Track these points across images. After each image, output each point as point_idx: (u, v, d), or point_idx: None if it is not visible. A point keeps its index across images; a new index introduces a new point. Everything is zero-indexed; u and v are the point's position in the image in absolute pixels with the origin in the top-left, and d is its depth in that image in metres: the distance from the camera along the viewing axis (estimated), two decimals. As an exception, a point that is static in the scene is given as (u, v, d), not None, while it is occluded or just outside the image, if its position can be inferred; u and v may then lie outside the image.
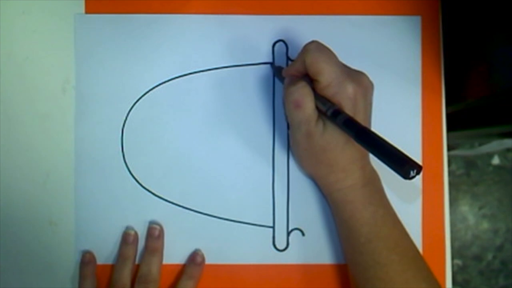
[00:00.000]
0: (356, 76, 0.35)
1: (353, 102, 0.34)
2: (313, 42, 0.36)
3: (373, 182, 0.37)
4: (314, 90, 0.35)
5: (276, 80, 0.42)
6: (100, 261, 0.41)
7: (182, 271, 0.41)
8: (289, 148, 0.41)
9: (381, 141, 0.31)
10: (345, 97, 0.34)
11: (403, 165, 0.29)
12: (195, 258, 0.40)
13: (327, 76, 0.34)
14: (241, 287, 0.41)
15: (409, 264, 0.35)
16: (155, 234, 0.41)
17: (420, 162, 0.41)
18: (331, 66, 0.34)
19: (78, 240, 0.41)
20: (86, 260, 0.41)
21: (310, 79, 0.36)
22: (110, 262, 0.41)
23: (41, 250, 0.41)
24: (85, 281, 0.40)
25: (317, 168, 0.37)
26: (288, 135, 0.41)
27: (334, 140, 0.35)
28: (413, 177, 0.29)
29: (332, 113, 0.34)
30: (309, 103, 0.35)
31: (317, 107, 0.35)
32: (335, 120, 0.33)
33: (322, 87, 0.35)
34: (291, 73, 0.37)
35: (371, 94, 0.37)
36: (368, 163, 0.37)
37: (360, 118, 0.34)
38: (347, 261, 0.39)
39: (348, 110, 0.34)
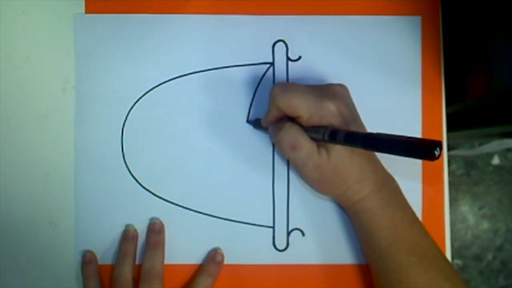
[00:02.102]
0: (328, 91, 0.35)
1: (340, 116, 0.34)
2: (275, 86, 0.35)
3: (388, 183, 0.37)
4: (300, 125, 0.35)
5: (276, 80, 0.42)
6: (100, 261, 0.41)
7: (199, 269, 0.41)
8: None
9: (389, 138, 0.30)
10: (331, 115, 0.34)
11: (425, 150, 0.27)
12: (214, 256, 0.41)
13: (305, 109, 0.34)
14: (241, 287, 0.41)
15: (430, 264, 0.35)
16: (156, 228, 0.41)
17: (420, 162, 0.41)
18: (303, 98, 0.34)
19: (78, 240, 0.41)
20: (87, 260, 0.41)
21: (290, 118, 0.36)
22: (110, 262, 0.41)
23: (41, 250, 0.41)
24: (89, 281, 0.40)
25: (334, 188, 0.36)
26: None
27: (341, 159, 0.34)
28: (439, 155, 0.27)
29: (329, 136, 0.33)
30: (304, 139, 0.35)
31: (312, 138, 0.35)
32: (336, 140, 0.33)
33: (306, 120, 0.34)
34: (271, 121, 0.37)
35: (349, 97, 0.37)
36: (378, 164, 0.37)
37: (354, 125, 0.35)
38: (370, 265, 0.39)
39: (340, 125, 0.34)
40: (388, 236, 0.35)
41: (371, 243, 0.36)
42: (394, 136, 0.30)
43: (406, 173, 0.41)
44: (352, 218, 0.38)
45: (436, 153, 0.27)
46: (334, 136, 0.33)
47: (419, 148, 0.28)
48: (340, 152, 0.34)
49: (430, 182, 0.41)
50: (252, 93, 0.42)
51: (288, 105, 0.34)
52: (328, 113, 0.34)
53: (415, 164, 0.41)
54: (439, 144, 0.27)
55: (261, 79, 0.42)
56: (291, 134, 0.35)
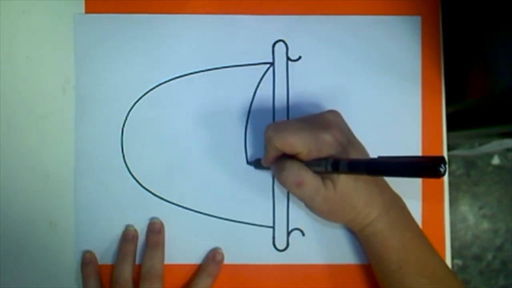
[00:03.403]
0: (321, 122, 0.35)
1: (338, 144, 0.34)
2: (268, 128, 0.35)
3: (395, 203, 0.37)
4: (300, 160, 0.35)
5: (276, 80, 0.42)
6: (100, 261, 0.41)
7: (199, 269, 0.41)
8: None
9: (392, 162, 0.29)
10: (329, 146, 0.34)
11: (430, 168, 0.27)
12: (214, 256, 0.41)
13: (303, 145, 0.34)
14: (241, 287, 0.41)
15: (440, 284, 0.35)
16: (156, 228, 0.41)
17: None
18: (298, 134, 0.34)
19: (78, 240, 0.41)
20: (87, 260, 0.41)
21: (290, 155, 0.35)
22: (110, 262, 0.41)
23: (41, 250, 0.41)
24: (89, 281, 0.40)
25: (343, 216, 0.36)
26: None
27: (347, 187, 0.34)
28: (445, 171, 0.27)
29: (332, 167, 0.33)
30: (307, 175, 0.34)
31: (315, 172, 0.35)
32: (339, 170, 0.33)
33: (305, 155, 0.34)
34: (270, 161, 0.37)
35: (343, 121, 0.36)
36: (384, 184, 0.37)
37: (353, 150, 0.34)
38: (380, 286, 0.39)
39: (340, 153, 0.34)
40: (398, 259, 0.35)
41: (381, 266, 0.36)
42: (396, 158, 0.29)
43: (406, 173, 0.41)
44: (363, 242, 0.38)
45: (442, 170, 0.26)
46: (336, 167, 0.32)
47: (424, 168, 0.27)
48: (345, 181, 0.34)
49: (430, 182, 0.41)
50: (252, 93, 0.42)
51: (285, 145, 0.34)
52: (325, 144, 0.34)
53: (415, 164, 0.41)
54: (442, 160, 0.26)
55: (261, 79, 0.42)
56: (294, 172, 0.34)
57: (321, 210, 0.36)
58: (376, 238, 0.36)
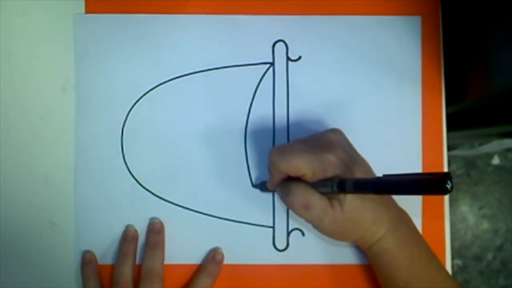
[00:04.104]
0: (324, 142, 0.35)
1: (342, 164, 0.34)
2: (272, 151, 0.35)
3: (402, 219, 0.37)
4: (306, 182, 0.35)
5: (276, 80, 0.42)
6: (100, 261, 0.41)
7: (199, 269, 0.41)
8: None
9: (398, 180, 0.29)
10: (334, 166, 0.33)
11: (436, 185, 0.26)
12: (214, 256, 0.41)
13: (307, 167, 0.33)
14: (241, 287, 0.41)
15: None
16: (156, 228, 0.41)
17: (420, 162, 0.41)
18: (302, 157, 0.33)
19: (79, 240, 0.41)
20: (87, 260, 0.41)
21: (295, 178, 0.35)
22: (110, 262, 0.41)
23: (42, 250, 0.41)
24: (89, 281, 0.40)
25: (352, 235, 0.36)
26: (289, 139, 0.41)
27: (354, 206, 0.34)
28: (452, 187, 0.26)
29: (337, 187, 0.33)
30: (314, 197, 0.34)
31: (321, 193, 0.34)
32: (345, 190, 0.32)
33: (310, 177, 0.34)
34: (276, 184, 0.37)
35: (345, 140, 0.36)
36: (390, 201, 0.37)
37: (357, 168, 0.34)
38: None
39: (344, 172, 0.33)
40: (407, 275, 0.35)
41: (389, 283, 0.36)
42: (401, 176, 0.29)
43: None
44: (371, 259, 0.38)
45: (448, 186, 0.26)
46: (343, 187, 0.32)
47: (430, 185, 0.27)
48: (352, 200, 0.34)
49: (430, 182, 0.41)
50: (252, 93, 0.42)
51: (289, 167, 0.34)
52: (330, 165, 0.33)
53: (414, 164, 0.41)
54: (449, 176, 0.26)
55: (261, 79, 0.42)
56: (301, 195, 0.34)
57: (329, 231, 0.36)
58: (384, 255, 0.36)
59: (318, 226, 0.36)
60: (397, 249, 0.35)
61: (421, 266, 0.36)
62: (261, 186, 0.41)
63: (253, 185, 0.41)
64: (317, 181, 0.34)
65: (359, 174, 0.34)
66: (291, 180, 0.35)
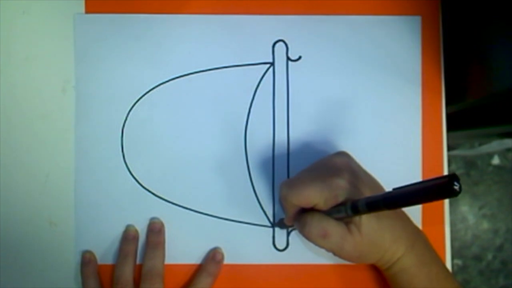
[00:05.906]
0: (331, 167, 0.35)
1: (352, 186, 0.34)
2: (282, 186, 0.35)
3: (419, 237, 0.36)
4: (319, 210, 0.35)
5: (276, 80, 0.42)
6: (100, 261, 0.41)
7: (199, 268, 0.41)
8: (289, 148, 0.42)
9: (407, 191, 0.29)
10: (344, 191, 0.33)
11: (445, 189, 0.27)
12: (214, 256, 0.41)
13: (318, 196, 0.33)
14: (241, 287, 0.41)
15: None
16: (156, 228, 0.41)
17: (420, 162, 0.41)
18: (312, 187, 0.33)
19: (78, 240, 0.41)
20: (87, 260, 0.41)
21: (309, 208, 0.35)
22: (110, 262, 0.41)
23: (41, 250, 0.41)
24: (88, 281, 0.40)
25: (373, 257, 0.36)
26: (289, 139, 0.41)
27: (372, 228, 0.34)
28: (460, 187, 0.26)
29: (351, 210, 0.33)
30: (331, 225, 0.34)
31: (336, 219, 0.34)
32: (359, 213, 0.32)
33: (323, 205, 0.34)
34: (293, 218, 0.37)
35: (352, 161, 0.36)
36: (405, 218, 0.37)
37: (365, 187, 0.34)
38: None
39: (354, 194, 0.33)
40: None
41: None
42: (410, 186, 0.29)
43: (406, 174, 0.41)
44: (390, 280, 0.37)
45: (456, 187, 0.26)
46: (356, 209, 0.32)
47: (440, 190, 0.27)
48: (368, 222, 0.34)
49: (430, 182, 0.41)
50: (252, 93, 0.42)
51: (301, 199, 0.34)
52: (340, 190, 0.33)
53: (414, 164, 0.41)
54: (455, 178, 0.26)
55: (261, 79, 0.42)
56: (317, 224, 0.34)
57: (351, 257, 0.35)
58: (404, 275, 0.35)
59: (339, 254, 0.35)
60: (416, 268, 0.35)
61: (439, 285, 0.35)
62: (280, 224, 0.41)
63: (273, 225, 0.41)
64: (331, 208, 0.34)
65: (367, 192, 0.34)
66: (305, 211, 0.35)
